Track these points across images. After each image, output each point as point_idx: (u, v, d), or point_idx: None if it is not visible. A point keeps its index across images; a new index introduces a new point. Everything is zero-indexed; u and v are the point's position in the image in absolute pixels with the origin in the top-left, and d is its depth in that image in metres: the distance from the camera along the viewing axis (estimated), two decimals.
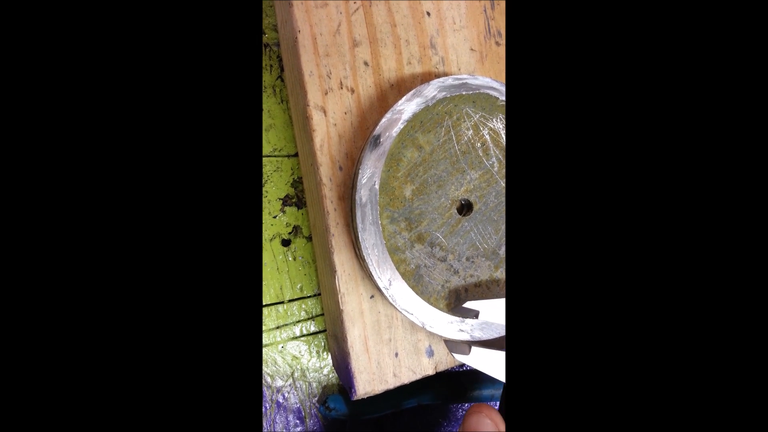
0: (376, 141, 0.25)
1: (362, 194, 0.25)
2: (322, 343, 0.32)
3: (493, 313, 0.26)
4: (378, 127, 0.26)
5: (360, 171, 0.25)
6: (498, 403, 0.34)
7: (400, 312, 0.26)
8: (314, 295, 0.31)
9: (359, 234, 0.25)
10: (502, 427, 0.25)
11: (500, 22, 0.30)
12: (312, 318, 0.31)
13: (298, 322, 0.31)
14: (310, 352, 0.31)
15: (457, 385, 0.33)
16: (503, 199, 0.28)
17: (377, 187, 0.25)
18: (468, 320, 0.26)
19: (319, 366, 0.31)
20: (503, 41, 0.30)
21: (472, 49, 0.30)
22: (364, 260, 0.25)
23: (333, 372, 0.32)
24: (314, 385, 0.31)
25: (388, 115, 0.26)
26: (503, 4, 0.30)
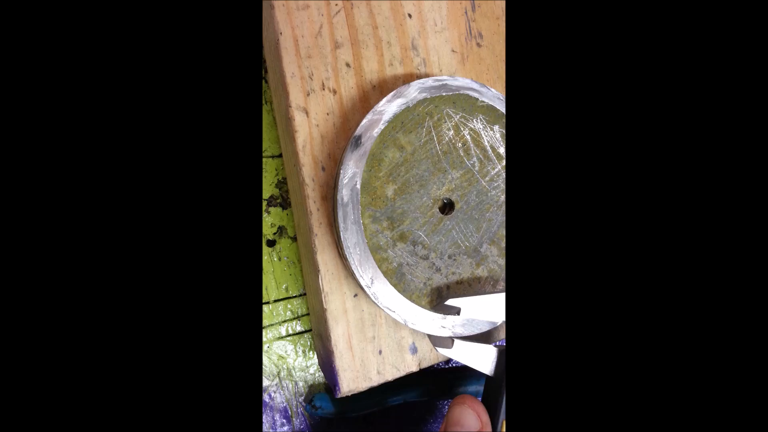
0: (358, 141, 0.26)
1: (344, 194, 0.25)
2: (308, 343, 0.32)
3: (474, 310, 0.26)
4: (359, 127, 0.26)
5: (342, 171, 0.25)
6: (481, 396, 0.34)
7: (383, 310, 0.26)
8: (299, 295, 0.32)
9: (341, 233, 0.25)
10: (485, 417, 0.25)
11: (481, 24, 0.31)
12: (298, 318, 0.32)
13: (284, 322, 0.31)
14: (296, 352, 0.32)
15: (442, 381, 0.34)
16: (484, 198, 0.28)
17: (359, 186, 0.26)
18: (450, 317, 0.27)
19: (305, 365, 0.32)
20: (484, 43, 0.31)
21: (453, 51, 0.30)
22: (346, 259, 0.26)
23: (319, 371, 0.32)
24: (300, 384, 0.32)
25: (369, 116, 0.26)
26: (484, 6, 0.31)
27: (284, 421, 0.31)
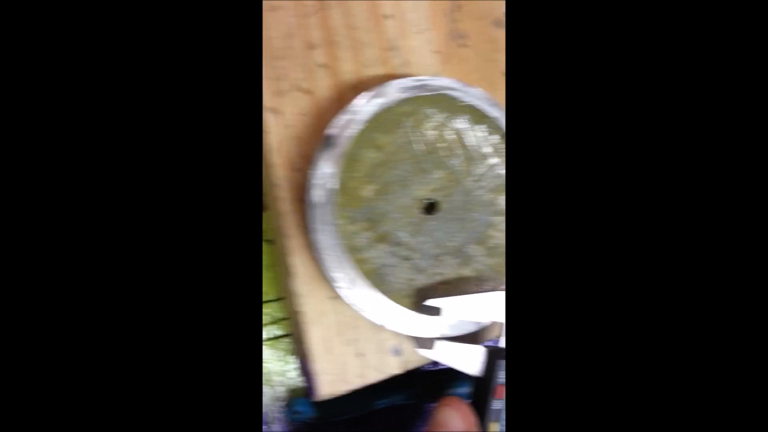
0: (332, 141, 0.26)
1: (317, 195, 0.25)
2: (287, 347, 0.32)
3: (457, 310, 0.26)
4: (333, 127, 0.26)
5: (315, 171, 0.25)
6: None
7: (361, 312, 0.26)
8: (278, 299, 0.31)
9: (314, 235, 0.25)
10: (471, 418, 0.25)
11: (464, 25, 0.30)
12: (276, 322, 0.31)
13: (262, 326, 0.31)
14: (275, 356, 0.31)
15: (431, 384, 0.33)
16: (468, 198, 0.28)
17: (333, 187, 0.25)
18: (434, 318, 0.26)
19: (284, 370, 0.31)
20: (468, 43, 0.31)
21: (435, 52, 0.30)
22: (320, 261, 0.25)
23: (299, 375, 0.32)
24: (280, 389, 0.31)
25: (343, 116, 0.26)
26: (467, 6, 0.31)
27: (264, 426, 0.31)
